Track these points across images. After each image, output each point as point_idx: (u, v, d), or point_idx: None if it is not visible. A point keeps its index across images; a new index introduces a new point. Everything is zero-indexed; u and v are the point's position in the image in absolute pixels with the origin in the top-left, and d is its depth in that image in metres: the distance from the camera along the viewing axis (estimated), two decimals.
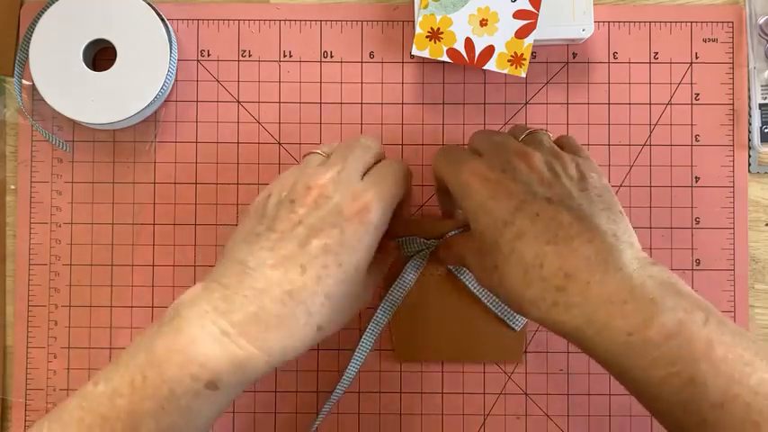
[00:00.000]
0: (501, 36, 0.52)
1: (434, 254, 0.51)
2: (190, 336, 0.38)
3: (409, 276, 0.52)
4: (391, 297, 0.52)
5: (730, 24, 0.55)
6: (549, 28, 0.53)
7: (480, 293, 0.51)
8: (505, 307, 0.48)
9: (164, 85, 0.53)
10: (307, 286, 0.40)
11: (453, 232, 0.51)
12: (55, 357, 0.55)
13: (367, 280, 0.43)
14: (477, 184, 0.42)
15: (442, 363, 0.55)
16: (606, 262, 0.39)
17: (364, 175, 0.44)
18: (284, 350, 0.40)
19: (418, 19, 0.52)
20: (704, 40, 0.55)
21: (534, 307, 0.40)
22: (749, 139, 0.55)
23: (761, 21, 0.55)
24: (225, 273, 0.41)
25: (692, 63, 0.55)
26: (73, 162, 0.55)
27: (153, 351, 0.38)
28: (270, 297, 0.40)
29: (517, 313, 0.42)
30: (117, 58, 0.52)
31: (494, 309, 0.50)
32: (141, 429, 0.38)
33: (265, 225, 0.42)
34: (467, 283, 0.51)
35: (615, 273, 0.38)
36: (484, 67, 0.52)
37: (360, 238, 0.42)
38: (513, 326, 0.49)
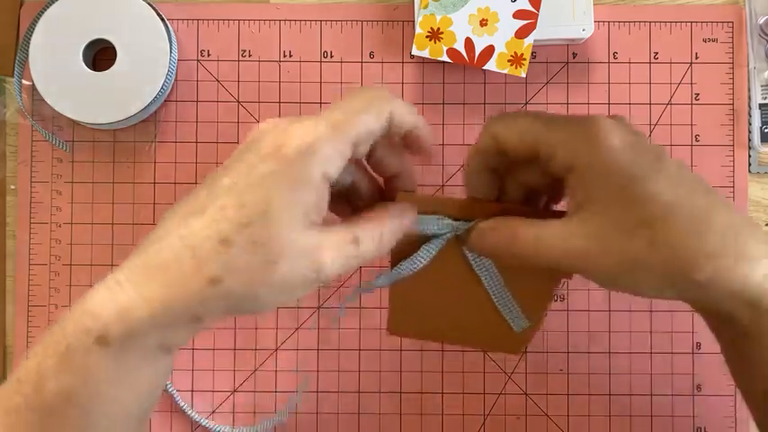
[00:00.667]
0: (501, 36, 0.52)
1: (458, 238, 0.44)
2: (94, 288, 0.35)
3: (420, 260, 0.43)
4: (392, 275, 0.45)
5: (730, 24, 0.55)
6: (549, 28, 0.53)
7: (493, 291, 0.46)
8: (513, 308, 0.45)
9: (163, 84, 0.52)
10: (201, 230, 0.34)
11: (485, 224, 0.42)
12: None
13: (300, 238, 0.35)
14: (617, 140, 0.36)
15: (442, 356, 0.54)
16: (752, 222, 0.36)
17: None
18: (166, 300, 0.34)
19: (418, 19, 0.52)
20: (704, 40, 0.55)
21: (713, 261, 0.35)
22: (749, 139, 0.55)
23: (761, 21, 0.55)
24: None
25: (691, 63, 0.55)
26: (73, 162, 0.55)
27: (72, 307, 0.36)
28: (163, 243, 0.35)
29: (679, 278, 0.36)
30: (117, 58, 0.52)
31: (502, 309, 0.46)
32: (44, 390, 0.34)
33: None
34: (482, 277, 0.45)
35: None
36: (484, 67, 0.52)
37: (269, 176, 0.34)
38: (515, 326, 0.47)
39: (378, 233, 0.38)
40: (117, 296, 0.34)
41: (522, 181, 0.41)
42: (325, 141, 0.34)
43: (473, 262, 0.42)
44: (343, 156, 0.35)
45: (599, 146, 0.36)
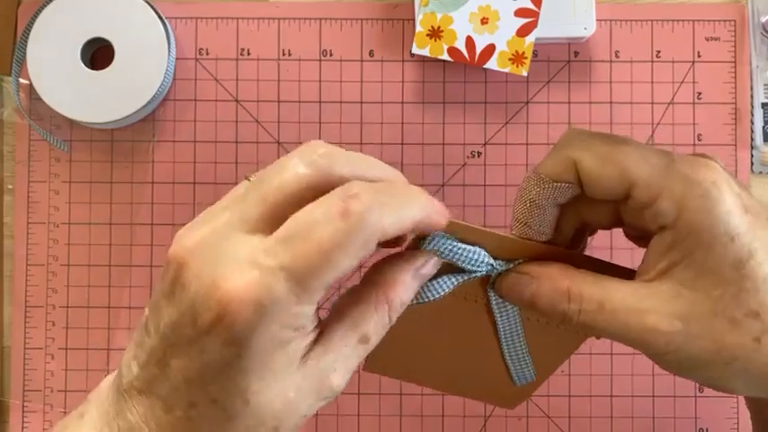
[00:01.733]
0: (502, 34, 0.52)
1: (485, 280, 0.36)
2: None
3: (439, 291, 0.34)
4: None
5: (732, 23, 0.55)
6: (551, 26, 0.52)
7: (507, 340, 0.38)
8: (524, 361, 0.38)
9: (162, 83, 0.52)
10: (176, 429, 0.28)
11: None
12: (53, 358, 0.54)
13: (300, 387, 0.28)
14: (738, 204, 0.29)
15: None
16: None
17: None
18: None
19: (418, 17, 0.52)
20: (706, 39, 0.55)
21: None
22: (752, 139, 0.55)
23: (763, 19, 0.54)
24: (128, 368, 0.30)
25: (694, 62, 0.55)
26: (71, 161, 0.55)
27: None
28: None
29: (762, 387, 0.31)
30: (115, 57, 0.52)
31: (510, 360, 0.39)
32: None
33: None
34: (499, 323, 0.37)
35: None
36: (485, 66, 0.52)
37: (234, 363, 0.26)
38: (518, 380, 0.40)
39: (386, 317, 0.30)
40: None
41: (582, 218, 0.34)
42: (286, 303, 0.26)
43: (495, 305, 0.36)
44: (313, 303, 0.27)
45: (715, 206, 0.29)
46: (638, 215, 0.31)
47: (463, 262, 0.33)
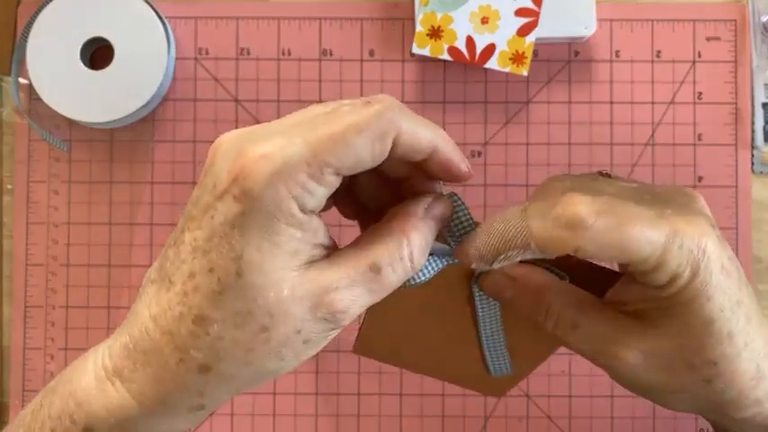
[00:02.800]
0: (502, 34, 0.52)
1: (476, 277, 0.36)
2: (84, 364, 0.31)
3: (429, 270, 0.34)
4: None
5: (733, 22, 0.55)
6: (551, 26, 0.52)
7: (486, 332, 0.39)
8: (501, 355, 0.39)
9: (162, 83, 0.52)
10: (171, 307, 0.28)
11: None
12: (52, 359, 0.54)
13: (294, 289, 0.28)
14: (713, 246, 0.31)
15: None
16: None
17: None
18: (160, 399, 0.29)
19: (418, 17, 0.52)
20: (707, 39, 0.55)
21: (758, 406, 0.33)
22: (752, 139, 0.55)
23: (764, 19, 0.54)
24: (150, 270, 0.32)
25: (694, 62, 0.55)
26: (70, 161, 0.55)
27: (63, 373, 0.32)
28: (139, 323, 0.29)
29: (717, 412, 0.34)
30: (114, 57, 0.52)
31: (487, 352, 0.39)
32: None
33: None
34: (480, 315, 0.37)
35: None
36: (485, 66, 0.52)
37: (231, 223, 0.27)
38: (493, 371, 0.40)
39: (405, 251, 0.30)
40: (106, 390, 0.30)
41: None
42: (298, 166, 0.27)
43: (477, 298, 0.36)
44: (326, 185, 0.28)
45: (701, 275, 0.31)
46: (641, 277, 0.32)
47: (458, 229, 0.33)
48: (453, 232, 0.33)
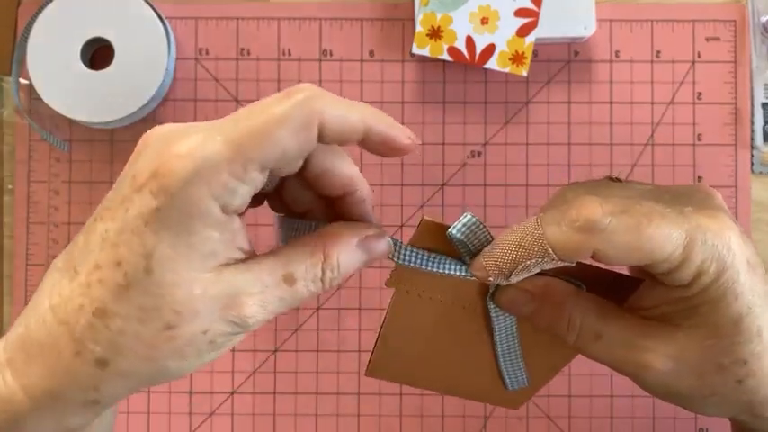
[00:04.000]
0: (502, 34, 0.52)
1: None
2: None
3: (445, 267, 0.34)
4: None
5: (733, 23, 0.55)
6: (551, 26, 0.52)
7: (502, 347, 0.37)
8: (518, 368, 0.38)
9: (162, 83, 0.52)
10: (72, 298, 0.27)
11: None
12: None
13: (205, 290, 0.27)
14: (737, 241, 0.31)
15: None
16: None
17: None
18: (51, 392, 0.28)
19: (418, 17, 0.52)
20: (706, 39, 0.55)
21: None
22: (752, 139, 0.55)
23: (763, 19, 0.54)
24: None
25: (694, 62, 0.55)
26: (71, 162, 0.55)
27: None
28: (37, 313, 0.28)
29: (748, 413, 0.33)
30: (115, 57, 0.52)
31: (504, 366, 0.38)
32: None
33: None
34: (496, 330, 0.36)
35: None
36: (485, 66, 0.52)
37: (146, 217, 0.26)
38: (510, 385, 0.39)
39: (319, 268, 0.29)
40: None
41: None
42: (217, 164, 0.26)
43: (493, 313, 0.35)
44: (249, 183, 0.27)
45: (727, 272, 0.30)
46: (650, 270, 0.32)
47: (471, 246, 0.32)
48: (471, 252, 0.32)
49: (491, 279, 0.32)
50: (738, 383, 0.32)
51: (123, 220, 0.27)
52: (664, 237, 0.29)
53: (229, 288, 0.28)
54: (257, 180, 0.27)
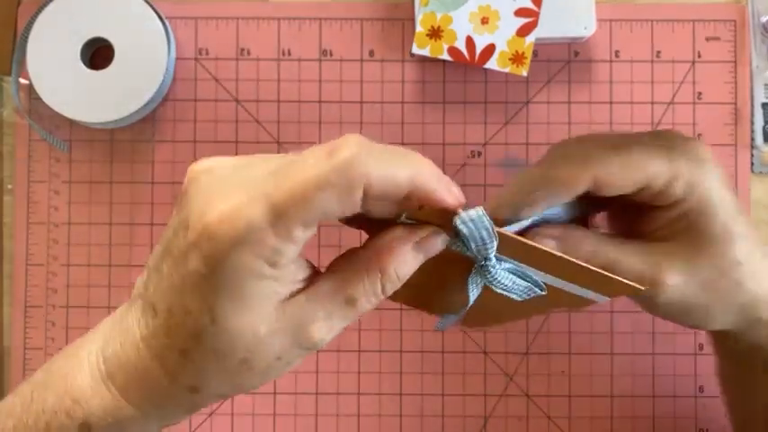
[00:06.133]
0: (502, 34, 0.52)
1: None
2: (77, 360, 0.32)
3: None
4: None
5: (733, 23, 0.55)
6: (551, 26, 0.52)
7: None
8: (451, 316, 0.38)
9: (162, 83, 0.52)
10: (157, 336, 0.29)
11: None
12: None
13: (271, 327, 0.29)
14: (723, 175, 0.36)
15: (443, 357, 0.54)
16: None
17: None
18: (156, 406, 0.31)
19: (418, 17, 0.52)
20: (707, 39, 0.55)
21: None
22: (752, 139, 0.55)
23: (763, 19, 0.54)
24: (138, 282, 0.32)
25: (694, 62, 0.55)
26: (70, 162, 0.55)
27: (51, 365, 0.33)
28: (130, 338, 0.30)
29: (748, 315, 0.37)
30: (115, 57, 0.52)
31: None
32: None
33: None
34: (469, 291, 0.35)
35: None
36: (485, 66, 0.52)
37: (200, 278, 0.27)
38: (440, 325, 0.39)
39: (378, 288, 0.30)
40: (102, 392, 0.31)
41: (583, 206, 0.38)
42: (261, 230, 0.26)
43: (470, 282, 0.34)
44: (294, 242, 0.27)
45: (716, 181, 0.35)
46: (645, 197, 0.35)
47: (473, 244, 0.31)
48: (470, 245, 0.31)
49: (504, 213, 0.34)
50: (738, 286, 0.35)
51: (185, 272, 0.28)
52: (653, 158, 0.34)
53: (295, 321, 0.29)
54: (303, 237, 0.27)
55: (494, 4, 0.51)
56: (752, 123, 0.55)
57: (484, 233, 0.31)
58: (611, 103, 0.55)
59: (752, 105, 0.55)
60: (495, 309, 0.38)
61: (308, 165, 0.26)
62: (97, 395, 0.31)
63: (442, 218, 0.30)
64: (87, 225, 0.55)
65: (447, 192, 0.29)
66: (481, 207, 0.30)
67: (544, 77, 0.55)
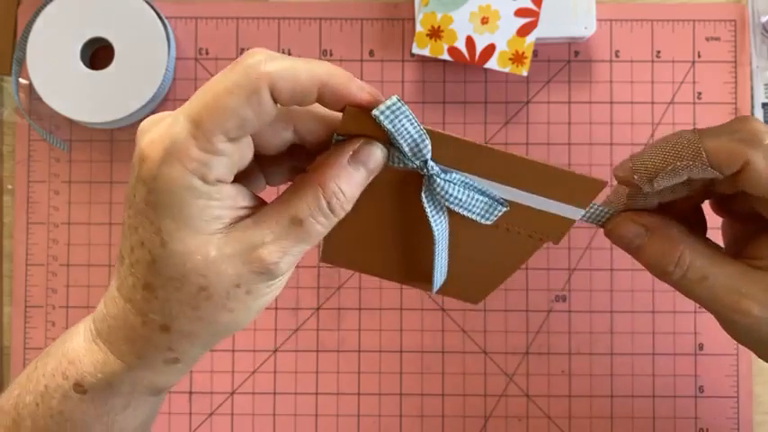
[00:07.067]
0: (502, 34, 0.52)
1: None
2: (76, 328, 0.34)
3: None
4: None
5: (733, 23, 0.55)
6: (551, 26, 0.52)
7: (438, 241, 0.35)
8: (440, 266, 0.37)
9: (162, 83, 0.52)
10: (126, 278, 0.31)
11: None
12: None
13: (221, 251, 0.29)
14: None
15: (443, 357, 0.54)
16: None
17: None
18: (137, 355, 0.32)
19: (419, 17, 0.52)
20: (707, 39, 0.55)
21: None
22: None
23: (763, 19, 0.54)
24: None
25: (694, 62, 0.55)
26: (70, 162, 0.55)
27: (55, 341, 0.35)
28: (109, 294, 0.32)
29: None
30: (115, 57, 0.52)
31: (435, 263, 0.37)
32: (22, 427, 0.34)
33: None
34: (432, 225, 0.34)
35: None
36: (485, 66, 0.52)
37: (146, 201, 0.29)
38: (435, 286, 0.38)
39: (322, 202, 0.30)
40: (92, 349, 0.32)
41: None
42: (183, 142, 0.28)
43: (428, 210, 0.34)
44: (221, 153, 0.29)
45: None
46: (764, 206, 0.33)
47: (404, 142, 0.31)
48: (401, 144, 0.31)
49: (635, 178, 0.33)
50: None
51: (135, 207, 0.30)
52: None
53: (243, 244, 0.30)
54: (229, 150, 0.29)
55: (494, 4, 0.51)
56: None
57: (407, 124, 0.30)
58: (611, 103, 0.55)
59: (752, 105, 0.55)
60: (479, 263, 0.37)
61: (217, 78, 0.28)
62: (89, 353, 0.33)
63: (371, 127, 0.30)
64: (87, 225, 0.55)
65: (358, 88, 0.29)
66: (396, 96, 0.30)
67: (544, 77, 0.55)
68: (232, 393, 0.54)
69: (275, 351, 0.55)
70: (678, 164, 0.32)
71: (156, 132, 0.29)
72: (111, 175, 0.55)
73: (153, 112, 0.54)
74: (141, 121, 0.51)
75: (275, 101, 0.28)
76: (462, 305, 0.54)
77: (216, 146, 0.28)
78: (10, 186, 0.55)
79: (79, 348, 0.33)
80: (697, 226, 0.37)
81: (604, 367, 0.54)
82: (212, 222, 0.29)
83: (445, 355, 0.54)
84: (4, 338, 0.55)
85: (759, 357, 0.36)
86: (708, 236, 0.37)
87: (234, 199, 0.30)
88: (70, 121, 0.54)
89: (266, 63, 0.28)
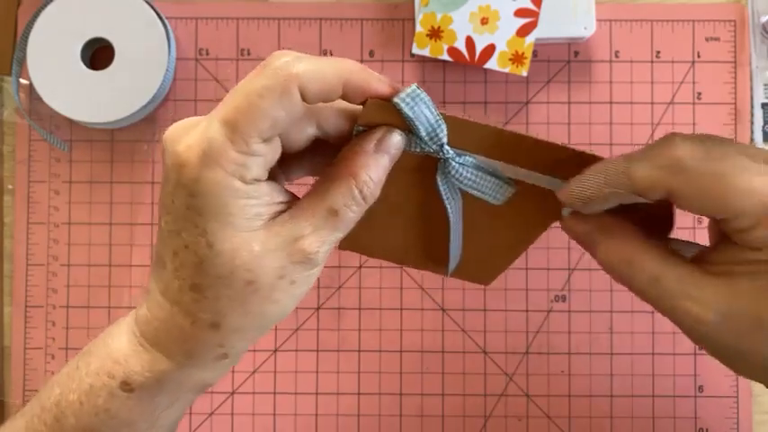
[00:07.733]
0: (502, 34, 0.52)
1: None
2: (117, 327, 0.35)
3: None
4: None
5: (732, 23, 0.55)
6: (551, 26, 0.52)
7: (453, 227, 0.37)
8: (455, 248, 0.38)
9: (162, 84, 0.52)
10: (171, 282, 0.32)
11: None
12: (53, 358, 0.54)
13: (265, 245, 0.31)
14: None
15: (443, 357, 0.54)
16: None
17: None
18: (187, 353, 0.33)
19: (419, 17, 0.52)
20: (706, 39, 0.55)
21: None
22: (751, 139, 0.55)
23: (763, 19, 0.54)
24: None
25: (694, 62, 0.55)
26: (71, 162, 0.55)
27: (95, 340, 0.35)
28: (153, 297, 0.33)
29: None
30: (115, 57, 0.52)
31: (451, 245, 0.38)
32: (65, 425, 0.34)
33: None
34: (447, 207, 0.36)
35: None
36: (485, 66, 0.52)
37: (189, 207, 0.30)
38: (451, 266, 0.39)
39: (355, 192, 0.32)
40: (138, 350, 0.33)
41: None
42: (222, 147, 0.29)
43: (442, 192, 0.35)
44: (257, 154, 0.30)
45: None
46: (724, 228, 0.32)
47: (422, 128, 0.33)
48: (418, 129, 0.33)
49: (567, 203, 0.34)
50: None
51: (175, 212, 0.31)
52: (742, 192, 0.29)
53: (284, 237, 0.31)
54: (263, 150, 0.30)
55: (494, 5, 0.51)
56: (752, 123, 0.55)
57: (425, 110, 0.32)
58: (611, 103, 0.55)
59: (752, 105, 0.55)
60: (491, 244, 0.39)
61: (247, 82, 0.30)
62: (134, 354, 0.33)
63: (391, 116, 0.32)
64: (87, 225, 0.55)
65: (378, 81, 0.31)
66: (415, 84, 0.32)
67: (544, 77, 0.55)
68: (232, 393, 0.54)
69: (275, 351, 0.55)
70: (607, 191, 0.32)
71: (193, 138, 0.30)
72: (112, 176, 0.55)
73: (153, 113, 0.54)
74: (141, 121, 0.52)
75: (303, 100, 0.30)
76: (462, 305, 0.54)
77: (252, 147, 0.30)
78: (10, 186, 0.55)
79: (124, 349, 0.34)
80: (663, 224, 0.36)
81: (604, 367, 0.54)
82: (253, 220, 0.31)
83: (445, 355, 0.54)
84: (4, 338, 0.55)
85: (726, 366, 0.34)
86: (701, 235, 0.36)
87: (270, 195, 0.31)
88: (70, 121, 0.54)
89: (294, 64, 0.30)
